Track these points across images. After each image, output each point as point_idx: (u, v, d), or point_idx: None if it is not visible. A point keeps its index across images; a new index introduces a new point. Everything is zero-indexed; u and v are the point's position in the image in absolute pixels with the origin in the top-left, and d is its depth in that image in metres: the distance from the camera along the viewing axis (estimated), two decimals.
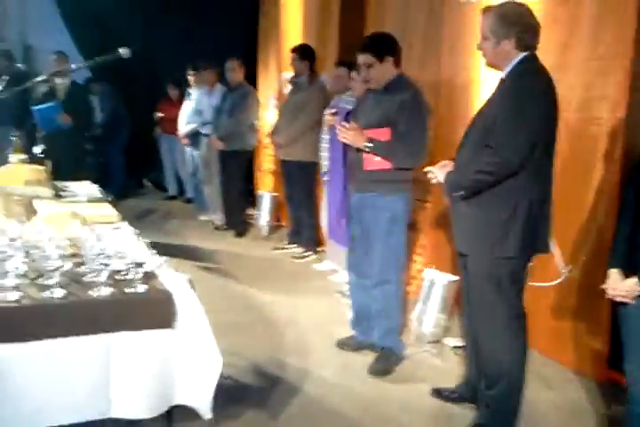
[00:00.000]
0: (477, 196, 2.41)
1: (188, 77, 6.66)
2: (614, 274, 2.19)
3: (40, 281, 1.77)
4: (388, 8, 4.67)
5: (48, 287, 1.73)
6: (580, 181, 3.10)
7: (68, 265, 1.80)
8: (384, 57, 2.97)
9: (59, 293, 1.71)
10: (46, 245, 1.80)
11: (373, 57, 2.97)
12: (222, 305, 4.06)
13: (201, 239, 5.74)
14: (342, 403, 2.83)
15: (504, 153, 2.27)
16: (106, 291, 1.76)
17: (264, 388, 2.94)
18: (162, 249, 5.15)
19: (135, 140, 7.83)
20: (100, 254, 1.81)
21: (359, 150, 3.01)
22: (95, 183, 3.89)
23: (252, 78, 6.83)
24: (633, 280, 2.10)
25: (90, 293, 1.75)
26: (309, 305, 4.10)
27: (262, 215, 5.89)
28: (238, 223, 6.04)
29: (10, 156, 3.35)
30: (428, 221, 4.27)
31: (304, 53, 5.03)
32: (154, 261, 2.04)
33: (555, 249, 2.53)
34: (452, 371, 3.15)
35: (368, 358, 3.25)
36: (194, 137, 6.50)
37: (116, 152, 7.59)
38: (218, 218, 6.29)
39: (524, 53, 2.40)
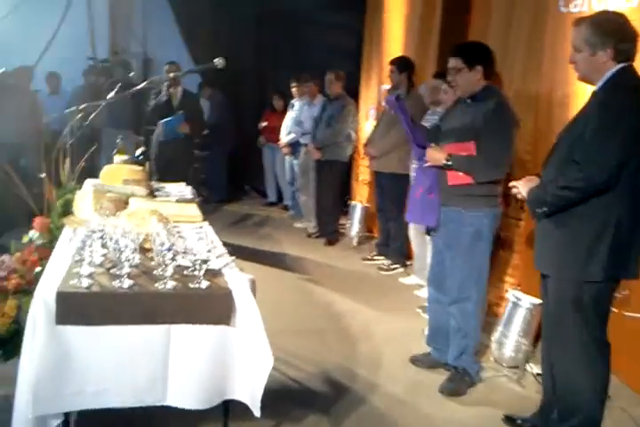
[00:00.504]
0: (562, 213, 2.29)
1: (292, 89, 6.85)
2: None
3: (112, 271, 1.89)
4: (490, 20, 4.54)
5: (118, 277, 1.84)
6: None
7: (138, 258, 1.90)
8: (474, 64, 2.91)
9: (127, 283, 1.81)
10: (121, 238, 1.92)
11: (463, 62, 2.92)
12: (302, 310, 4.12)
13: (292, 246, 5.85)
14: (406, 420, 2.77)
15: (590, 170, 2.14)
16: (170, 284, 1.84)
17: (330, 396, 2.94)
18: (250, 252, 5.36)
19: (241, 148, 8.16)
20: (169, 250, 1.90)
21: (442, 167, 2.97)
22: (200, 186, 4.14)
23: (356, 89, 6.94)
24: None
25: (156, 285, 1.84)
26: (389, 318, 4.04)
27: (353, 225, 5.91)
28: (330, 232, 6.09)
29: (114, 156, 3.62)
30: (521, 239, 4.09)
31: (402, 65, 5.01)
32: (221, 261, 2.11)
33: None
34: (530, 399, 2.97)
35: (441, 376, 3.15)
36: (294, 146, 6.67)
37: (220, 158, 7.92)
38: (311, 226, 6.38)
39: (620, 65, 2.26)
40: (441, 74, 4.34)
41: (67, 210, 2.65)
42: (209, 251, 2.27)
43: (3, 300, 2.45)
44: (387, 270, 5.14)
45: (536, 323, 3.28)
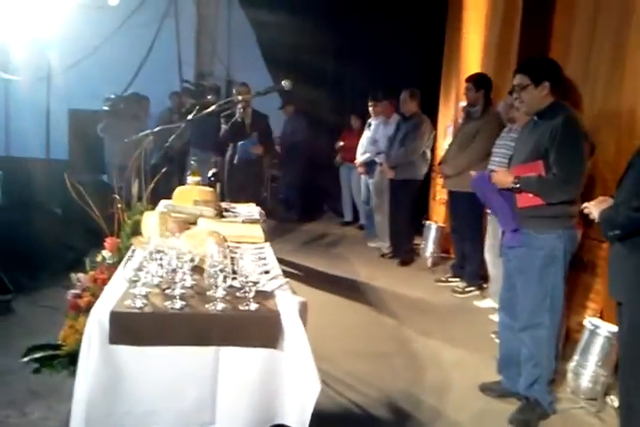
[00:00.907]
0: (637, 237, 2.14)
1: (369, 108, 6.85)
2: None
3: (167, 292, 1.93)
4: (572, 37, 4.36)
5: (171, 298, 1.88)
6: None
7: (190, 279, 1.94)
8: (540, 80, 2.79)
9: (178, 304, 1.84)
10: (175, 259, 1.96)
11: (529, 79, 2.81)
12: (370, 333, 4.06)
13: (364, 266, 5.80)
14: None
15: None
16: (220, 306, 1.86)
17: (391, 422, 2.87)
18: (321, 272, 5.35)
19: (319, 167, 8.24)
20: (221, 271, 1.92)
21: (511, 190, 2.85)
22: (277, 205, 4.16)
23: (435, 107, 6.87)
24: None
25: (206, 306, 1.86)
26: (460, 343, 3.90)
27: (428, 246, 5.78)
28: (404, 252, 6.00)
29: (187, 178, 3.73)
30: (603, 262, 3.85)
31: (478, 82, 4.89)
32: (274, 283, 2.11)
33: None
34: None
35: (512, 407, 2.99)
36: (369, 166, 6.65)
37: (297, 177, 8.03)
38: (385, 246, 6.31)
39: None
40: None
41: (136, 230, 2.75)
42: (265, 272, 2.30)
43: (76, 317, 2.56)
44: (461, 293, 4.98)
45: (615, 352, 3.05)
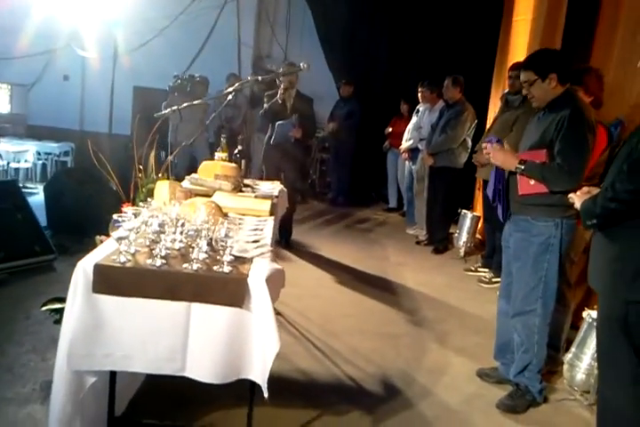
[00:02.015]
0: (616, 227, 2.14)
1: (418, 94, 6.84)
2: None
3: (154, 251, 2.10)
4: (617, 28, 4.25)
5: (154, 256, 2.05)
6: None
7: (169, 240, 2.10)
8: (547, 73, 2.77)
9: (158, 262, 2.01)
10: (168, 223, 2.14)
11: (535, 74, 2.81)
12: (387, 315, 4.15)
13: (398, 252, 5.87)
14: None
15: (637, 180, 1.98)
16: (195, 266, 2.01)
17: (380, 396, 2.96)
18: (353, 255, 5.46)
19: (369, 153, 8.30)
20: (201, 236, 2.08)
21: (513, 173, 2.86)
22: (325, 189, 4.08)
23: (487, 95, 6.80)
24: None
25: (183, 266, 2.02)
26: (473, 329, 3.94)
27: (461, 235, 5.76)
28: (439, 240, 6.01)
29: (216, 153, 3.92)
30: None
31: (519, 70, 4.81)
32: (258, 250, 2.25)
33: None
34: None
35: (504, 392, 3.03)
36: (413, 152, 6.65)
37: (345, 161, 8.11)
38: (422, 233, 6.34)
39: None
40: None
41: (149, 197, 2.96)
42: (254, 241, 2.45)
43: None
44: (487, 283, 4.98)
45: None
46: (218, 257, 2.11)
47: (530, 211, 2.83)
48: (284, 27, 8.79)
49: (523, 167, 2.77)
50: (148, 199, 2.69)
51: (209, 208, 2.39)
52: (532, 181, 2.78)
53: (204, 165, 3.69)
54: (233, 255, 2.08)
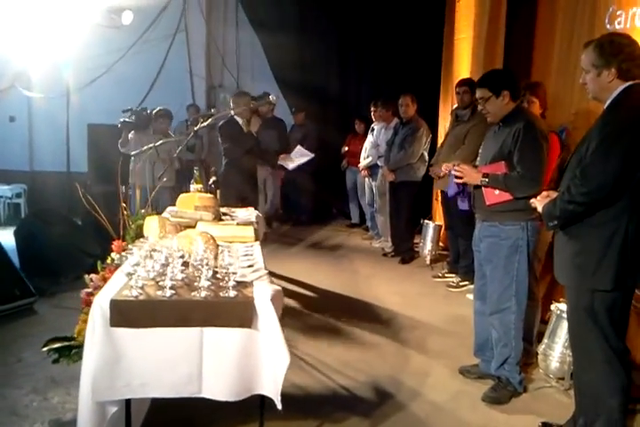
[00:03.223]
0: (574, 226, 2.41)
1: (372, 113, 7.15)
2: None
3: (161, 283, 2.26)
4: (553, 43, 4.65)
5: (162, 288, 2.21)
6: None
7: (178, 272, 2.26)
8: (500, 91, 3.08)
9: (168, 293, 2.17)
10: (168, 256, 2.30)
11: (489, 91, 3.10)
12: (366, 324, 4.34)
13: (367, 264, 6.11)
14: (443, 425, 2.92)
15: (590, 183, 2.27)
16: (203, 294, 2.18)
17: (373, 402, 3.15)
18: (326, 270, 5.64)
19: (328, 172, 8.56)
20: (205, 265, 2.25)
21: (478, 187, 3.14)
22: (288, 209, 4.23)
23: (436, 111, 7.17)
24: None
25: (192, 294, 2.19)
26: (447, 333, 4.19)
27: (426, 244, 6.06)
28: (405, 251, 6.29)
29: (191, 185, 4.09)
30: None
31: (467, 85, 5.15)
32: (255, 274, 2.44)
33: None
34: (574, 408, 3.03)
35: (487, 387, 3.27)
36: (372, 169, 6.94)
37: (306, 181, 8.33)
38: (388, 245, 6.61)
39: (628, 83, 2.37)
40: None
41: (139, 234, 3.10)
42: (249, 266, 2.63)
43: (88, 312, 2.90)
44: (456, 287, 5.26)
45: None
46: (221, 283, 2.29)
47: (497, 217, 3.11)
48: (234, 55, 9.02)
49: (487, 180, 3.06)
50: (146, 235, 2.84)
51: (205, 239, 2.57)
52: (497, 191, 3.07)
53: (182, 198, 3.84)
54: (235, 281, 2.27)
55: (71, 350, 2.79)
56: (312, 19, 8.68)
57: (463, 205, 3.52)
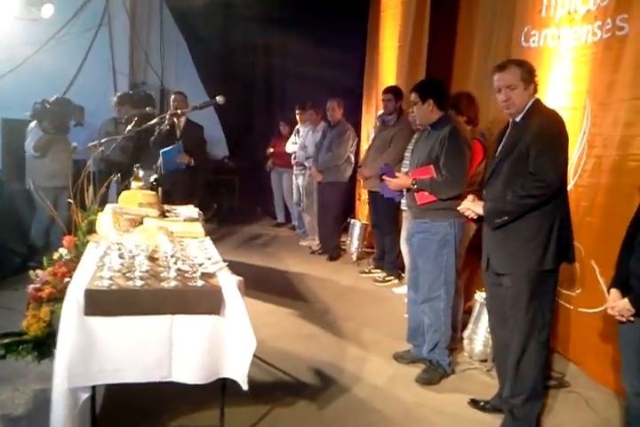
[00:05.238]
0: (513, 222, 2.72)
1: (296, 116, 7.38)
2: (614, 294, 2.42)
3: (128, 275, 2.37)
4: (472, 54, 5.07)
5: (132, 279, 2.32)
6: (623, 213, 3.26)
7: (146, 264, 2.38)
8: (426, 98, 3.40)
9: (139, 283, 2.29)
10: (134, 249, 2.41)
11: (418, 97, 3.42)
12: (301, 318, 4.56)
13: (296, 262, 6.32)
14: (384, 405, 3.19)
15: (549, 177, 2.59)
16: (172, 283, 2.31)
17: (318, 386, 3.37)
18: (256, 269, 5.78)
19: (254, 173, 8.71)
20: (172, 257, 2.38)
21: (410, 190, 3.46)
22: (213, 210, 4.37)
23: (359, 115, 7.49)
24: (624, 301, 2.32)
25: (161, 284, 2.32)
26: (379, 323, 4.48)
27: (352, 242, 6.36)
28: (332, 249, 6.56)
29: (131, 183, 4.13)
30: None
31: (398, 94, 5.49)
32: (216, 266, 2.59)
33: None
34: (496, 387, 3.35)
35: (419, 370, 3.57)
36: (300, 169, 7.16)
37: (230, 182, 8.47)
38: (315, 244, 6.86)
39: (535, 97, 2.74)
40: None
41: (90, 229, 3.15)
42: (208, 258, 2.77)
43: (38, 307, 2.91)
44: (382, 282, 5.58)
45: None
46: (186, 274, 2.42)
47: (428, 215, 3.42)
48: (159, 54, 8.97)
49: (415, 186, 3.38)
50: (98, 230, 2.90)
51: (166, 233, 2.69)
52: (427, 193, 3.38)
53: (125, 195, 3.90)
54: (201, 272, 2.42)
55: (19, 346, 2.82)
56: (239, 20, 8.75)
57: (388, 193, 3.81)
